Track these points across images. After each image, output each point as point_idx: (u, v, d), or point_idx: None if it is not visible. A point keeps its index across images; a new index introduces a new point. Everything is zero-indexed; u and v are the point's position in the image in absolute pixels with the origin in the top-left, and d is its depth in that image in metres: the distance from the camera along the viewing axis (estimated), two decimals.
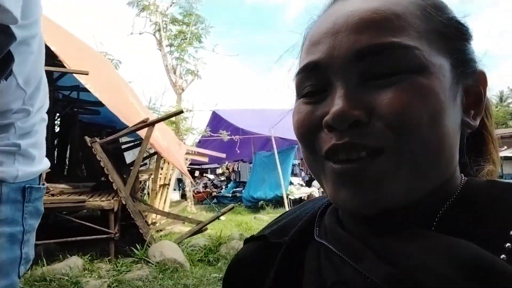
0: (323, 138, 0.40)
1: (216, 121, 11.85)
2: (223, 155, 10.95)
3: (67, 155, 7.10)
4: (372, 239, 0.40)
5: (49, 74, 5.09)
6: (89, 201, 4.11)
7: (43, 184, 0.85)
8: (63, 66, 4.17)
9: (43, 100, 0.82)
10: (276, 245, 0.47)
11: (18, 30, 0.63)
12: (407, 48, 0.37)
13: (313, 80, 0.41)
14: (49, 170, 0.91)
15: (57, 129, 7.13)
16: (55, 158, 6.78)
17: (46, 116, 0.85)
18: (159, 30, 12.14)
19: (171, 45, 12.34)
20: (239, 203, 10.80)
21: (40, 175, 0.83)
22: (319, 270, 0.42)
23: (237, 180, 13.08)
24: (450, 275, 0.33)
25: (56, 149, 6.88)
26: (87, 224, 4.10)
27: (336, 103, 0.37)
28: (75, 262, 3.78)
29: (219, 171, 15.68)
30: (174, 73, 12.12)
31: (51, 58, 4.09)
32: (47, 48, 4.06)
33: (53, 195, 4.37)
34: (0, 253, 0.71)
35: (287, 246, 0.47)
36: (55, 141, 6.91)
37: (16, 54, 0.67)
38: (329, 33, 0.40)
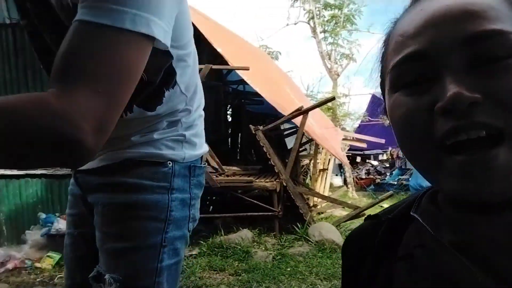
0: (438, 125, 0.40)
1: (376, 105, 11.40)
2: (382, 141, 10.47)
3: (239, 141, 8.05)
4: (455, 214, 0.45)
5: (219, 71, 5.84)
6: (256, 181, 4.60)
7: (204, 164, 1.08)
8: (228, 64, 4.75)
9: (199, 101, 1.04)
10: (384, 221, 0.55)
11: (175, 50, 0.83)
12: (510, 33, 0.38)
13: (414, 71, 0.42)
14: (207, 152, 1.13)
15: (229, 119, 8.14)
16: (229, 144, 7.76)
17: (203, 113, 1.08)
18: (312, 17, 12.36)
19: (324, 31, 12.42)
20: (406, 191, 10.16)
21: (201, 157, 1.06)
22: (409, 237, 0.50)
23: (402, 167, 12.32)
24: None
25: (230, 137, 7.87)
26: (256, 202, 4.60)
27: (449, 88, 0.38)
28: (246, 234, 4.32)
29: (382, 157, 15.08)
30: (329, 58, 12.17)
31: (219, 57, 4.71)
32: (214, 49, 4.70)
33: (228, 175, 5.05)
34: (175, 212, 0.95)
35: (389, 221, 0.54)
36: (229, 129, 7.91)
37: (177, 68, 0.88)
38: (429, 24, 0.41)
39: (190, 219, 0.99)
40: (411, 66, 0.42)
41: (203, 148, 1.06)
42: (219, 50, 4.55)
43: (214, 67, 4.61)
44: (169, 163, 0.94)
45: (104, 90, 0.60)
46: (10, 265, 3.76)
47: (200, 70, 4.38)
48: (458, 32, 0.39)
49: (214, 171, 5.38)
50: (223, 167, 5.33)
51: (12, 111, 0.54)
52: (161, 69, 0.83)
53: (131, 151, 0.93)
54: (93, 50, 0.61)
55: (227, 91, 6.82)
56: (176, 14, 0.76)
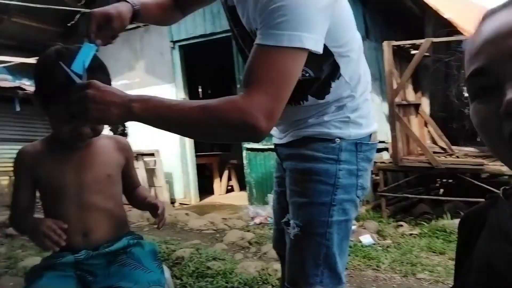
0: (504, 127, 0.46)
1: None
2: None
3: None
4: None
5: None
6: (488, 165, 4.01)
7: (374, 142, 1.22)
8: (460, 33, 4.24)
9: (364, 87, 1.19)
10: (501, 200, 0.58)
11: (336, 49, 1.04)
12: None
13: (481, 84, 0.50)
14: (376, 131, 1.24)
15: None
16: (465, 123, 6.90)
17: (369, 97, 1.22)
18: None
19: None
20: None
21: (370, 135, 1.20)
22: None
23: None
24: None
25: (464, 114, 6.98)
26: (487, 187, 4.03)
27: (507, 94, 0.45)
28: None
29: None
30: None
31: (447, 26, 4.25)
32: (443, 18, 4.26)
33: (457, 157, 4.59)
34: (342, 180, 1.13)
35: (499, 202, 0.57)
36: (466, 107, 7.02)
37: (341, 63, 1.07)
38: (486, 43, 0.49)
39: (358, 187, 1.17)
40: (477, 80, 0.51)
41: (371, 127, 1.21)
42: (447, 16, 4.13)
43: (435, 40, 4.22)
44: (337, 140, 1.14)
45: (271, 91, 0.88)
46: (257, 220, 4.71)
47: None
48: (509, 48, 0.46)
49: (443, 151, 4.99)
50: (454, 147, 4.87)
51: (217, 108, 0.88)
52: (321, 66, 1.05)
53: (308, 130, 1.18)
54: (263, 63, 0.89)
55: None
56: (329, 24, 0.94)
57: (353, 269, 3.00)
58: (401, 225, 4.04)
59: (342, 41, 1.06)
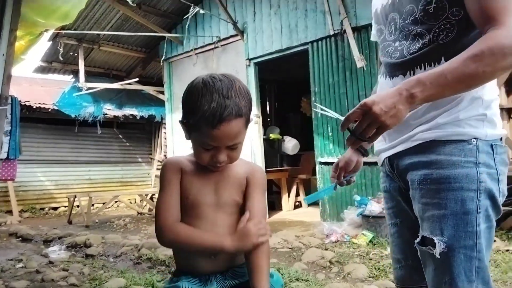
0: None
1: None
2: None
3: None
4: None
5: None
6: None
7: (505, 145, 1.09)
8: None
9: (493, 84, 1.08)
10: None
11: None
12: None
13: None
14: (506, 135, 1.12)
15: None
16: None
17: (498, 98, 1.09)
18: None
19: None
20: None
21: (501, 138, 1.07)
22: None
23: None
24: None
25: None
26: None
27: None
28: None
29: None
30: None
31: None
32: None
33: None
34: (485, 183, 1.01)
35: None
36: None
37: None
38: None
39: (500, 192, 1.04)
40: None
41: (502, 130, 1.09)
42: None
43: None
44: (473, 140, 1.02)
45: None
46: (333, 238, 4.50)
47: None
48: None
49: None
50: None
51: (492, 47, 0.89)
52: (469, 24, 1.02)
53: (437, 131, 1.05)
54: None
55: None
56: None
57: None
58: (494, 240, 3.60)
59: None
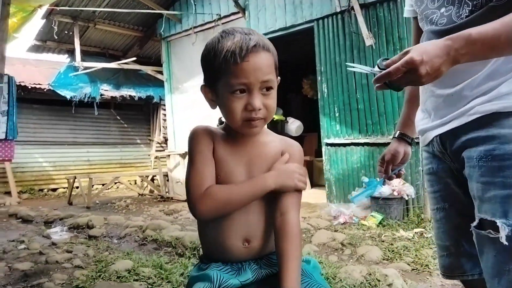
0: None
1: None
2: None
3: None
4: None
5: None
6: None
7: None
8: None
9: None
10: None
11: None
12: None
13: None
14: None
15: None
16: None
17: None
18: None
19: None
20: None
21: None
22: None
23: None
24: None
25: None
26: None
27: None
28: None
29: None
30: None
31: None
32: None
33: None
34: None
35: None
36: None
37: None
38: None
39: None
40: None
41: None
42: None
43: None
44: None
45: None
46: (341, 219, 4.44)
47: None
48: None
49: None
50: None
51: None
52: None
53: (500, 102, 0.94)
54: None
55: None
56: None
57: None
58: None
59: None
